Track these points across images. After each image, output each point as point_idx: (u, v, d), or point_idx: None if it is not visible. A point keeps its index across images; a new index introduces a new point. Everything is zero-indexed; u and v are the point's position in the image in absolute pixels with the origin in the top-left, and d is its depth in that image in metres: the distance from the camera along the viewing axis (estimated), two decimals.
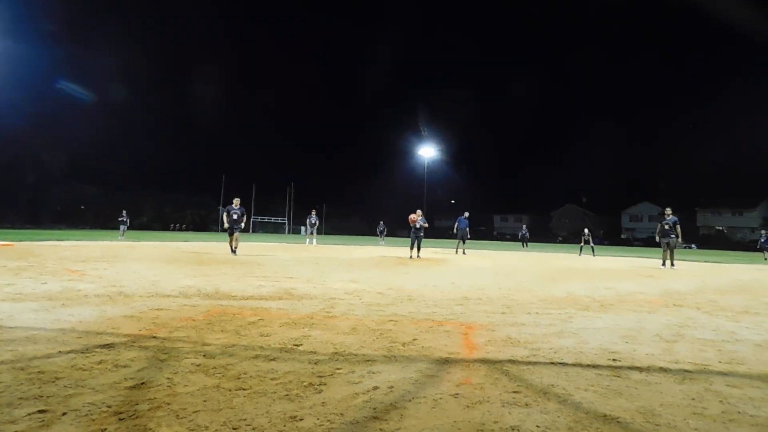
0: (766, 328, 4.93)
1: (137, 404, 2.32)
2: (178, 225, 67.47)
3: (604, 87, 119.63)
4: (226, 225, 14.70)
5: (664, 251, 14.82)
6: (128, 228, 29.28)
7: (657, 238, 15.11)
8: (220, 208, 74.00)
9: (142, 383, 2.62)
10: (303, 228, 24.74)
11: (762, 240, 25.24)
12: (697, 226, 76.55)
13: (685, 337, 4.32)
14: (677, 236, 14.54)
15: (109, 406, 2.28)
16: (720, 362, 3.49)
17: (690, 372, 3.20)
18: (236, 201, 14.82)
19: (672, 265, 14.56)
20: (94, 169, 68.23)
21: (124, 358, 3.07)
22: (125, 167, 74.24)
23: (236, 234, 14.48)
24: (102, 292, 5.90)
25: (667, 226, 14.59)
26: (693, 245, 63.99)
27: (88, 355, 3.13)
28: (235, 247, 14.40)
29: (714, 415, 2.42)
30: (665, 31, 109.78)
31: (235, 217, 14.51)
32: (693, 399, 2.65)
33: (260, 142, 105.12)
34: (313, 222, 25.85)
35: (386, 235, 37.49)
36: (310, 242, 26.22)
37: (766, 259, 23.59)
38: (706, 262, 21.11)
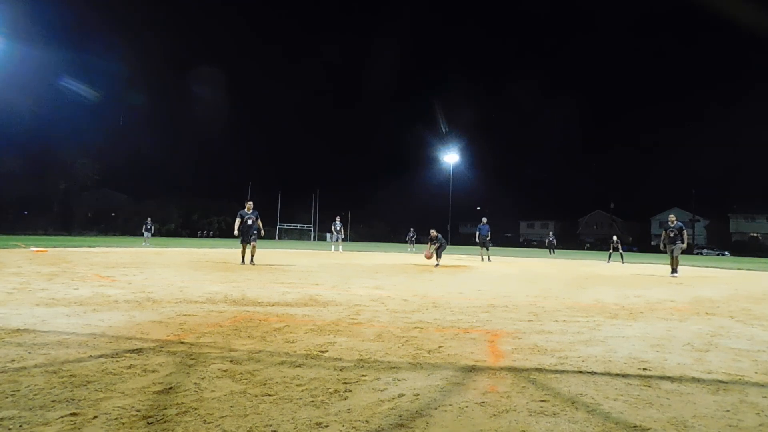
0: None
1: (165, 409, 2.35)
2: (205, 231, 68.42)
3: (631, 93, 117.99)
4: (236, 232, 13.21)
5: (671, 259, 14.06)
6: (153, 235, 29.74)
7: (662, 246, 14.48)
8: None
9: (170, 388, 2.65)
10: (329, 235, 25.00)
11: None
12: (729, 233, 74.66)
13: (718, 347, 4.21)
14: (683, 242, 13.89)
15: (138, 410, 2.32)
16: (756, 373, 3.38)
17: (724, 382, 3.11)
18: (249, 205, 13.26)
19: (675, 272, 13.86)
20: (124, 177, 69.88)
21: (152, 363, 3.11)
22: (154, 175, 75.91)
23: (253, 243, 13.02)
24: (131, 297, 6.01)
25: (672, 234, 14.03)
26: (726, 252, 62.37)
27: (117, 359, 3.18)
28: (252, 255, 13.06)
29: (750, 428, 2.35)
30: (695, 34, 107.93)
31: (249, 222, 13.00)
32: (728, 410, 2.58)
33: (286, 150, 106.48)
34: (338, 228, 26.04)
35: (415, 242, 36.99)
36: (336, 249, 26.37)
37: None
38: (739, 269, 20.56)
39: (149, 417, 2.24)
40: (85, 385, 2.64)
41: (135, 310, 5.15)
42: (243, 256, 13.18)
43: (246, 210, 13.16)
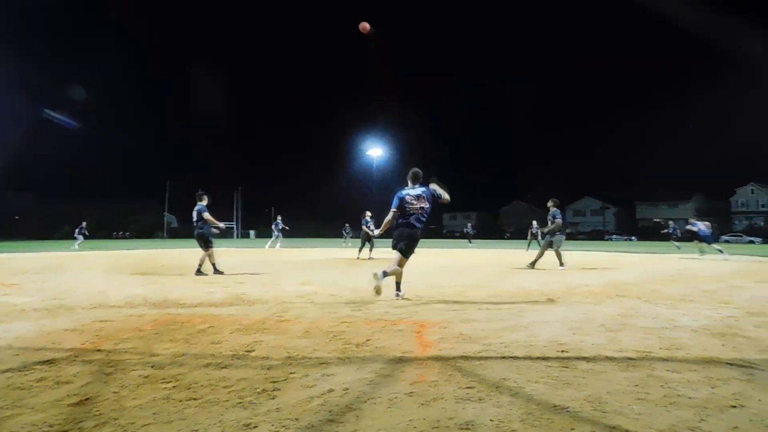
0: (701, 314, 5.18)
1: (82, 421, 2.23)
2: (122, 233, 65.29)
3: (553, 93, 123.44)
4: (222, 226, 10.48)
5: (556, 250, 11.92)
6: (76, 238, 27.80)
7: (541, 236, 11.85)
8: (165, 214, 72.08)
9: (87, 399, 2.52)
10: (273, 233, 25.29)
11: (670, 230, 24.99)
12: (636, 219, 79.82)
13: (628, 326, 4.49)
14: (549, 231, 12.03)
15: (50, 426, 2.18)
16: (661, 349, 3.64)
17: (633, 359, 3.33)
18: (198, 197, 10.08)
19: (533, 266, 11.91)
20: (31, 178, 65.34)
21: (66, 374, 2.94)
22: (65, 174, 71.61)
23: (209, 248, 9.96)
24: (41, 305, 5.63)
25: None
26: (633, 237, 66.58)
27: (26, 372, 2.98)
28: (199, 264, 9.87)
29: (656, 400, 2.53)
30: (618, 42, 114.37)
31: (194, 223, 10.03)
32: (637, 385, 2.76)
33: (206, 147, 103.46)
34: (280, 227, 26.14)
35: (351, 237, 36.97)
36: (272, 246, 26.32)
37: (678, 247, 24.00)
38: (645, 252, 22.03)
39: (64, 431, 2.12)
40: None
41: (45, 318, 4.83)
42: (199, 264, 9.94)
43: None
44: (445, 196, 6.23)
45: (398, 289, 6.42)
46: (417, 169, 6.38)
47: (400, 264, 6.24)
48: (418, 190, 6.23)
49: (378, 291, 5.85)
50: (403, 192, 6.26)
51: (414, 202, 6.15)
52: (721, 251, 17.25)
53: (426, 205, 6.17)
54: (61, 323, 4.57)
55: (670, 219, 20.60)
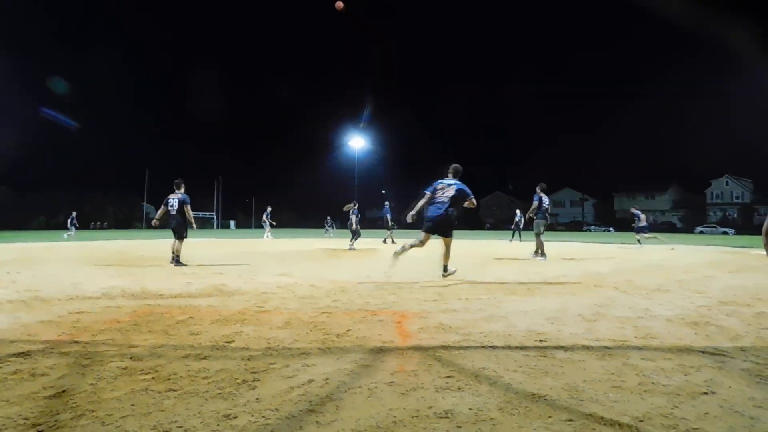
0: (675, 304, 5.29)
1: (58, 414, 2.20)
2: (98, 223, 64.27)
3: (531, 83, 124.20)
4: (154, 222, 10.66)
5: (536, 233, 11.77)
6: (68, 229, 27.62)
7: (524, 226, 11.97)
8: (144, 204, 71.17)
9: (63, 391, 2.49)
10: (265, 224, 25.92)
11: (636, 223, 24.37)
12: (614, 210, 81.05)
13: (605, 316, 4.57)
14: (529, 213, 11.95)
15: (26, 419, 2.15)
16: (636, 338, 3.72)
17: (609, 348, 3.39)
18: (177, 185, 10.15)
19: (540, 254, 11.86)
20: (3, 169, 63.86)
21: (42, 366, 2.90)
22: (40, 164, 70.25)
23: (176, 238, 9.85)
24: (15, 297, 5.53)
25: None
26: (611, 228, 67.56)
27: (0, 365, 2.93)
28: (173, 254, 9.78)
29: (631, 387, 2.58)
30: (591, 25, 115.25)
31: (172, 212, 9.95)
32: (612, 373, 2.82)
33: (186, 137, 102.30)
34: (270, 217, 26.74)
35: (334, 228, 37.19)
36: (266, 236, 26.82)
37: (639, 241, 23.98)
38: (622, 244, 22.37)
39: (39, 424, 2.10)
40: None
41: (20, 310, 4.75)
42: (172, 251, 9.89)
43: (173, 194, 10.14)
44: (473, 199, 7.38)
45: (445, 270, 7.44)
46: (458, 165, 7.50)
47: (445, 246, 7.49)
48: (452, 182, 7.33)
49: (394, 263, 7.47)
50: (440, 180, 7.40)
51: (444, 190, 7.24)
52: (639, 240, 19.88)
53: (452, 193, 7.18)
54: (36, 315, 4.50)
55: (641, 210, 20.78)
